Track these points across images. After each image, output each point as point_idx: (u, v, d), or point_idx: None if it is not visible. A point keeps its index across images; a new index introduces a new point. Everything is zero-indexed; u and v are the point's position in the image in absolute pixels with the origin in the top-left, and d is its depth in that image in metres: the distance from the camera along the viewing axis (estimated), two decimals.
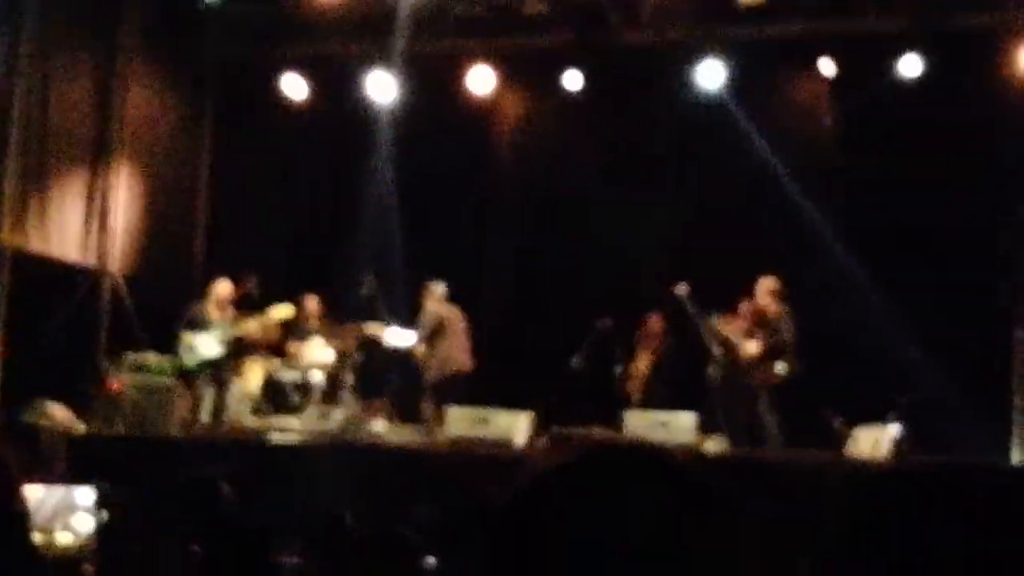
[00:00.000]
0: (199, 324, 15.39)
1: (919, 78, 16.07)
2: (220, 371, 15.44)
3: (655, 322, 15.56)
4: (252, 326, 15.65)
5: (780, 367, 14.30)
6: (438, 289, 15.79)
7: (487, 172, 18.58)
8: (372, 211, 18.47)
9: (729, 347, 14.58)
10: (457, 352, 15.55)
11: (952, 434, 13.95)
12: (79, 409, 14.37)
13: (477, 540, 1.37)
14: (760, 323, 14.53)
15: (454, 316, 15.62)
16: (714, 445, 13.91)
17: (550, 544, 1.29)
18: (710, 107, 17.20)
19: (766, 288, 14.56)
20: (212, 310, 15.52)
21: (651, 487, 1.33)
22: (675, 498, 1.33)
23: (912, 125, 16.08)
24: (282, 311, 15.84)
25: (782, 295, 14.56)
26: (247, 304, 15.87)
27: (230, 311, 15.58)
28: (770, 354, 14.37)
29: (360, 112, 18.46)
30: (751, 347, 14.48)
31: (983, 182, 15.54)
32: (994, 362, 14.32)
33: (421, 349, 15.70)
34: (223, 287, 15.63)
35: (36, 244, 15.71)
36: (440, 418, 14.46)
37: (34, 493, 2.63)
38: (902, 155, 16.08)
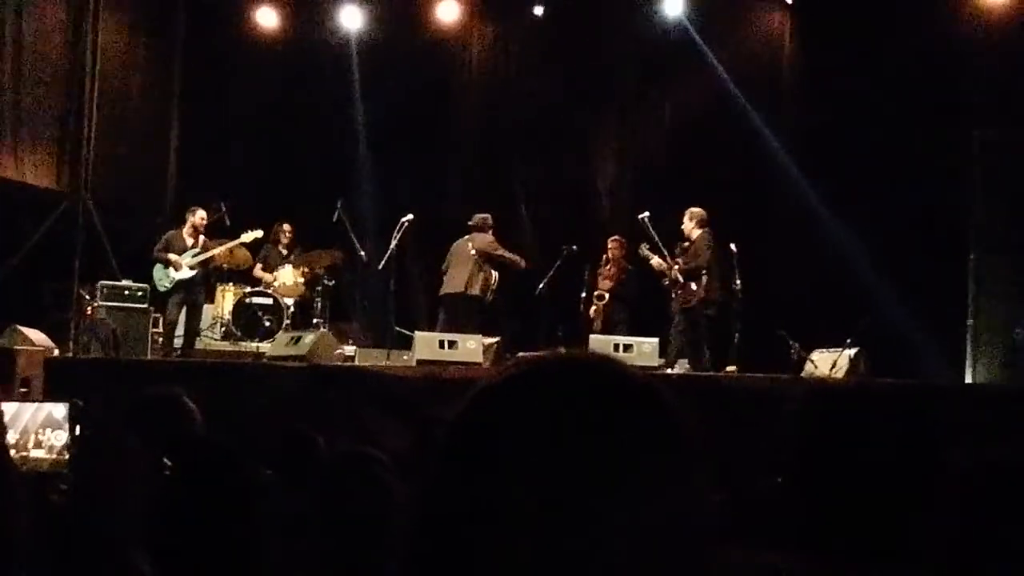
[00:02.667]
0: (172, 249, 15.57)
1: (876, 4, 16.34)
2: (192, 295, 15.62)
3: (615, 248, 15.75)
4: (222, 251, 15.81)
5: (695, 288, 14.62)
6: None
7: (454, 100, 18.69)
8: (342, 139, 18.65)
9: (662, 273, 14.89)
10: (447, 278, 15.74)
11: (909, 356, 14.27)
12: (55, 334, 14.53)
13: (430, 456, 1.35)
14: (683, 249, 14.83)
15: (459, 245, 15.74)
16: (677, 369, 14.19)
17: (496, 456, 1.27)
18: (672, 33, 17.40)
19: (689, 215, 14.84)
20: (185, 236, 15.69)
21: (599, 397, 1.30)
22: (623, 408, 1.30)
23: (868, 51, 16.28)
24: (251, 235, 16.01)
25: (704, 222, 14.80)
26: (219, 230, 16.03)
27: (201, 237, 15.74)
28: (686, 276, 14.66)
29: (329, 42, 18.59)
30: (669, 270, 14.80)
31: (939, 107, 15.73)
32: (950, 285, 14.52)
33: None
34: (198, 215, 15.78)
35: (9, 171, 15.83)
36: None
37: (7, 409, 2.77)
38: (859, 82, 16.26)
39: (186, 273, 15.47)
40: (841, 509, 2.34)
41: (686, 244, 14.79)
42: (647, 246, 15.15)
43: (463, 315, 15.30)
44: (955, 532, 2.43)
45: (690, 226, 14.84)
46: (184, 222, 15.84)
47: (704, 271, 14.63)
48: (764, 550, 5.20)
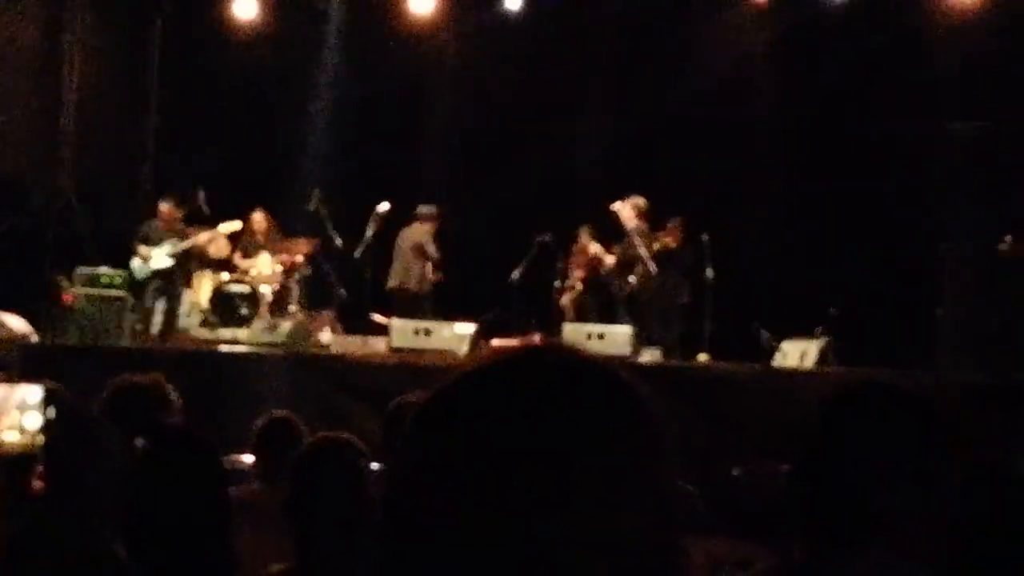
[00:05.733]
0: (149, 239, 15.60)
1: None
2: (169, 283, 15.66)
3: (586, 236, 15.83)
4: (200, 240, 15.83)
5: (631, 279, 14.77)
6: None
7: (430, 89, 18.73)
8: (317, 128, 18.69)
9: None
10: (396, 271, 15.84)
11: (879, 346, 14.38)
12: (33, 321, 14.54)
13: (400, 442, 1.35)
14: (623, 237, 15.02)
15: (400, 236, 15.83)
16: (648, 357, 14.29)
17: (462, 444, 1.28)
18: (646, 27, 17.48)
19: (631, 204, 14.97)
20: (161, 226, 15.72)
21: (567, 387, 1.30)
22: (590, 398, 1.31)
23: (843, 42, 16.42)
24: (230, 226, 16.05)
25: (644, 214, 14.95)
26: (196, 219, 16.06)
27: (179, 226, 15.76)
28: (624, 266, 14.82)
29: (305, 31, 18.62)
30: (609, 260, 14.97)
31: (911, 98, 15.86)
32: (919, 275, 14.62)
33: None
34: (167, 206, 15.81)
35: None
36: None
37: None
38: (833, 72, 16.38)
39: (164, 262, 15.49)
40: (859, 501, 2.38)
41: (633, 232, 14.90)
42: (585, 233, 15.43)
43: (403, 309, 15.34)
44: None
45: (628, 215, 14.98)
46: (158, 211, 15.88)
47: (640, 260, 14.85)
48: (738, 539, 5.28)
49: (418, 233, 15.55)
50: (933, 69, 15.99)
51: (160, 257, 15.46)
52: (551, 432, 1.28)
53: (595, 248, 15.15)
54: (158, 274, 15.49)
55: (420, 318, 14.83)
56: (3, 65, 16.27)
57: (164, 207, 15.83)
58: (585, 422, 1.29)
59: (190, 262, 16.21)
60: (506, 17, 18.20)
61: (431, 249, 15.58)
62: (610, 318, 15.07)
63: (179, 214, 15.79)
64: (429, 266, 15.65)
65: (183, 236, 15.67)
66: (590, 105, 18.07)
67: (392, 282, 15.70)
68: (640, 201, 15.01)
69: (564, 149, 17.82)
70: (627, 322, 14.61)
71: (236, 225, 16.05)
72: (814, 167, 16.16)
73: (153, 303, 15.64)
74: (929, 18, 16.24)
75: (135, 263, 15.56)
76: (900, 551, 2.34)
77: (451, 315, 14.79)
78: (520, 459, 1.26)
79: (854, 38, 16.40)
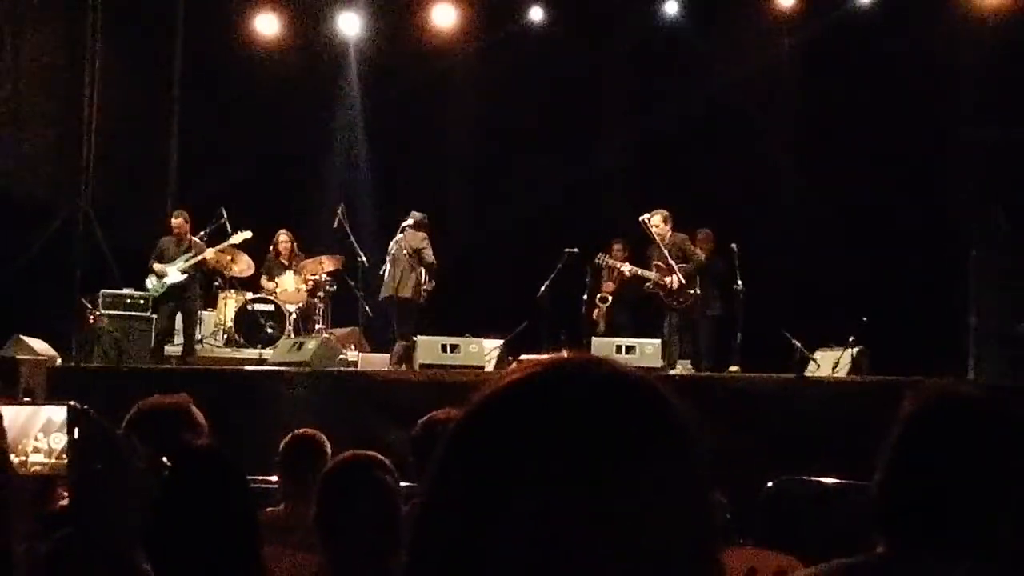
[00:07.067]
0: (163, 256, 15.61)
1: (873, 4, 16.42)
2: (184, 300, 15.65)
3: (617, 251, 15.73)
4: (211, 253, 15.79)
5: (693, 290, 14.66)
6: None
7: (453, 104, 18.70)
8: (340, 144, 18.70)
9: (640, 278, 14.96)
10: (385, 280, 15.42)
11: (911, 354, 14.26)
12: (58, 344, 14.57)
13: (432, 458, 1.32)
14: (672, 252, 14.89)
15: (394, 245, 15.39)
16: (680, 370, 14.20)
17: (498, 461, 1.26)
18: (670, 35, 17.45)
19: (663, 217, 14.82)
20: (173, 241, 15.71)
21: (602, 400, 1.28)
22: (626, 410, 1.29)
23: (869, 50, 16.35)
24: (241, 236, 16.00)
25: (673, 224, 14.89)
26: (220, 238, 16.04)
27: (188, 240, 15.75)
28: (688, 279, 14.70)
29: (328, 49, 18.64)
30: (666, 275, 14.81)
31: (939, 105, 15.78)
32: (951, 282, 14.53)
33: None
34: (178, 220, 15.82)
35: (10, 182, 15.87)
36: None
37: (5, 413, 2.75)
38: (857, 80, 16.31)
39: (177, 277, 15.48)
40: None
41: (668, 246, 14.74)
42: (616, 250, 15.28)
43: (399, 319, 15.24)
44: None
45: (666, 228, 14.82)
46: (171, 227, 15.87)
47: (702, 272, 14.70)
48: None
49: (415, 240, 15.30)
50: (959, 75, 15.90)
51: (173, 272, 15.45)
52: (587, 445, 1.25)
53: (627, 268, 14.98)
54: (171, 291, 15.47)
55: (416, 328, 14.80)
56: (26, 87, 16.30)
57: (175, 221, 15.83)
58: (621, 434, 1.27)
59: (209, 277, 16.21)
60: (529, 28, 18.16)
61: (430, 256, 15.36)
62: (641, 331, 14.98)
63: (184, 228, 15.75)
64: (424, 273, 15.41)
65: (196, 250, 15.65)
66: (615, 116, 18.02)
67: (387, 291, 15.32)
68: (665, 212, 14.89)
69: (590, 161, 17.77)
70: (675, 334, 14.51)
71: (247, 235, 15.98)
72: (843, 175, 16.08)
73: (170, 320, 15.63)
74: (954, 23, 16.13)
75: (150, 281, 15.58)
76: (983, 557, 2.39)
77: (478, 330, 14.73)
78: (558, 473, 1.24)
79: (879, 45, 16.32)
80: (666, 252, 14.68)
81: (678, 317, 14.61)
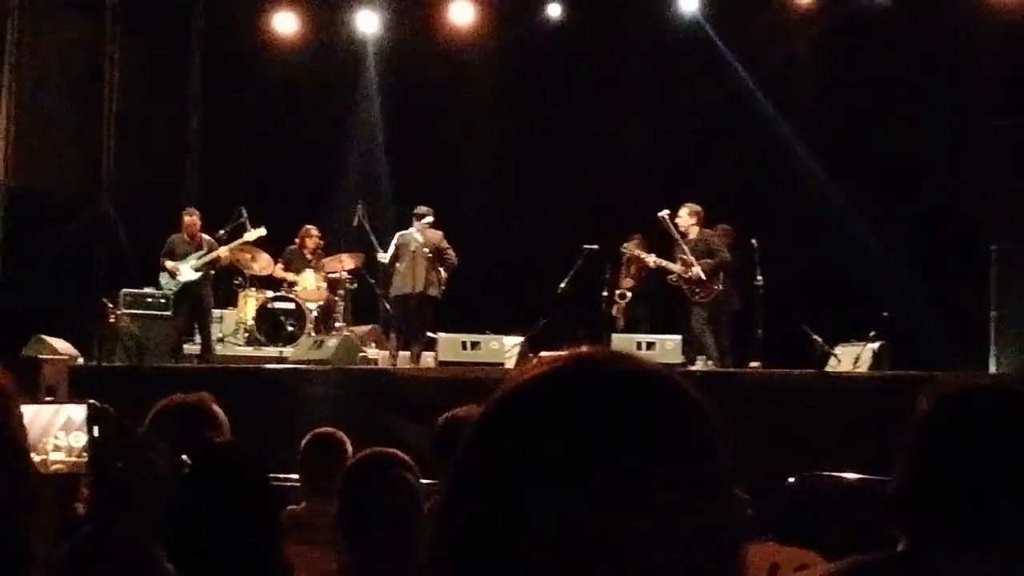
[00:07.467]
0: (175, 254, 15.62)
1: None
2: (198, 298, 15.65)
3: (635, 245, 15.70)
4: (224, 251, 15.80)
5: (717, 285, 14.62)
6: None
7: (471, 100, 18.68)
8: (360, 142, 18.71)
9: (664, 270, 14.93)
10: (399, 276, 15.31)
11: (932, 348, 14.24)
12: (79, 344, 14.62)
13: (453, 455, 1.32)
14: (694, 246, 14.82)
15: (410, 240, 15.30)
16: (700, 366, 14.18)
17: (520, 458, 1.25)
18: (688, 30, 17.42)
19: (691, 211, 14.79)
20: (185, 239, 15.73)
21: (623, 394, 1.28)
22: (648, 404, 1.28)
23: (885, 43, 16.29)
24: (255, 234, 16.01)
25: (702, 217, 14.82)
26: (237, 235, 16.04)
27: (199, 238, 15.76)
28: (710, 274, 14.64)
29: (346, 46, 18.66)
30: (687, 269, 14.74)
31: (956, 97, 15.72)
32: (971, 276, 14.48)
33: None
34: (190, 216, 15.85)
35: (31, 182, 15.93)
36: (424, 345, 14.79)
37: (25, 412, 2.75)
38: (876, 73, 16.25)
39: (191, 275, 15.48)
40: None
41: (694, 241, 14.72)
42: (635, 243, 15.23)
43: (419, 316, 15.21)
44: None
45: (691, 222, 14.79)
46: (182, 225, 15.88)
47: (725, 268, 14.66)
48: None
49: (435, 238, 15.25)
50: (980, 65, 15.84)
51: (186, 271, 15.45)
52: (610, 440, 1.25)
53: (652, 259, 14.94)
54: (185, 289, 15.48)
55: (431, 326, 14.90)
56: (46, 87, 16.36)
57: (188, 219, 15.85)
58: (644, 428, 1.26)
59: (224, 274, 16.23)
60: (546, 23, 18.14)
61: (453, 257, 15.32)
62: (660, 327, 14.96)
63: (196, 226, 15.75)
64: (443, 273, 15.37)
65: (208, 248, 15.65)
66: (633, 111, 17.98)
67: (404, 288, 15.20)
68: (696, 207, 14.84)
69: (609, 156, 17.76)
70: (699, 330, 14.48)
71: (261, 232, 15.96)
72: (862, 168, 16.02)
73: (186, 319, 15.65)
74: (973, 12, 16.06)
75: (163, 280, 15.60)
76: (1007, 553, 2.36)
77: (499, 327, 14.73)
78: (580, 469, 1.23)
79: (899, 36, 16.27)
80: (685, 247, 14.67)
81: (705, 311, 14.56)
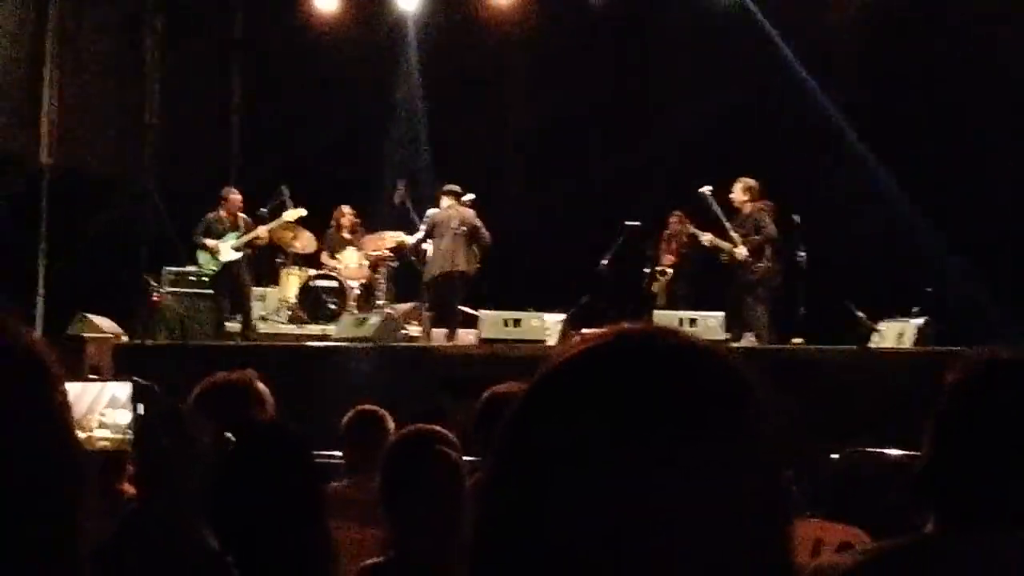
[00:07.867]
0: (211, 232, 15.64)
1: None
2: (237, 277, 15.68)
3: (677, 222, 15.65)
4: (263, 231, 15.83)
5: (763, 262, 14.53)
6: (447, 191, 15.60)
7: (510, 79, 18.67)
8: (400, 121, 18.72)
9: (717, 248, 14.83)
10: (440, 254, 15.26)
11: (976, 325, 14.13)
12: (123, 322, 14.71)
13: (496, 432, 1.30)
14: (740, 222, 14.71)
15: (447, 217, 15.26)
16: (745, 342, 14.13)
17: (564, 436, 1.23)
18: (731, 6, 17.34)
19: (744, 187, 14.68)
20: (223, 218, 15.71)
21: (669, 370, 1.26)
22: (697, 380, 1.26)
23: (935, 18, 16.15)
24: (295, 213, 16.03)
25: (757, 193, 14.69)
26: (278, 214, 16.07)
27: (236, 217, 15.79)
28: (755, 251, 14.56)
29: (387, 24, 18.66)
30: (734, 247, 14.65)
31: (1007, 72, 15.58)
32: (1017, 251, 14.39)
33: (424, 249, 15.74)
34: (233, 196, 15.85)
35: (75, 161, 16.01)
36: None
37: (70, 389, 2.76)
38: (924, 48, 16.13)
39: (231, 255, 15.50)
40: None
41: (743, 217, 14.66)
42: (676, 220, 15.22)
43: (454, 294, 15.20)
44: None
45: (744, 198, 14.71)
46: (221, 203, 15.83)
47: (771, 244, 14.57)
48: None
49: (469, 216, 15.25)
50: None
51: (227, 250, 15.46)
52: (656, 416, 1.23)
53: (707, 238, 14.84)
54: (226, 267, 15.52)
55: (464, 302, 14.95)
56: (88, 69, 16.42)
57: (232, 197, 15.81)
58: (691, 404, 1.24)
59: (264, 254, 16.27)
60: (587, 5, 18.09)
61: (487, 235, 15.27)
62: (701, 304, 14.92)
63: (238, 206, 15.74)
64: (477, 250, 15.33)
65: (248, 228, 15.66)
66: (675, 88, 17.91)
67: (444, 266, 15.13)
68: (750, 182, 14.73)
69: (650, 133, 17.68)
70: (748, 306, 14.42)
71: (301, 212, 15.98)
72: (904, 144, 15.89)
73: (226, 297, 15.69)
74: None
75: (202, 258, 15.62)
76: None
77: (540, 305, 14.73)
78: (625, 446, 1.21)
79: (950, 11, 16.11)
80: (727, 224, 14.61)
81: (752, 288, 14.49)
